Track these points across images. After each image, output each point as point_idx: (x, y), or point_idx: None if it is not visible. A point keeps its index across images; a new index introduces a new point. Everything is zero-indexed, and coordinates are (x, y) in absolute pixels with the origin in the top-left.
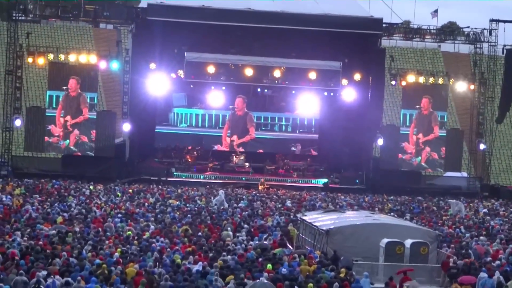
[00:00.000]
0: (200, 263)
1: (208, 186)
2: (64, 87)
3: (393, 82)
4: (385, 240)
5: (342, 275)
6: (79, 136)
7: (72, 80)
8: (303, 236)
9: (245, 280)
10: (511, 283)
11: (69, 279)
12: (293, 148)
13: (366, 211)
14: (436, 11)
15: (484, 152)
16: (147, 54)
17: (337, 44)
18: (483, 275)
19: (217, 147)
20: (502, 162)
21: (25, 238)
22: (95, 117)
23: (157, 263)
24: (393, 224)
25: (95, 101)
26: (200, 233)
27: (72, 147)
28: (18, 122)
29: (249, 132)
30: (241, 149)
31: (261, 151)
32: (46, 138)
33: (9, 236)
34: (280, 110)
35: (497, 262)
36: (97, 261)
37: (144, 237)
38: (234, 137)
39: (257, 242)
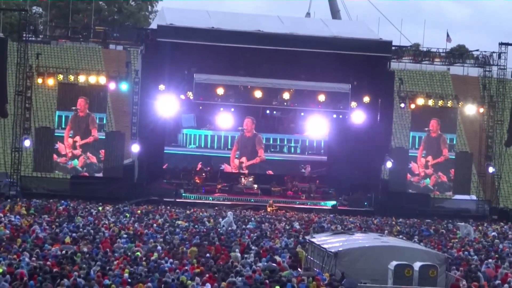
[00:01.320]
0: (209, 284)
1: (216, 208)
2: (73, 108)
3: (402, 105)
4: (394, 263)
5: None
6: (87, 157)
7: (80, 100)
8: (312, 258)
9: None
10: None
11: None
12: (302, 170)
13: (375, 234)
14: (448, 35)
15: (493, 175)
16: (156, 76)
17: (346, 67)
18: None
19: (224, 166)
20: (511, 185)
21: (33, 258)
22: (104, 137)
23: (164, 284)
24: (402, 246)
25: (104, 122)
26: (208, 255)
27: (79, 168)
28: (27, 143)
29: (258, 154)
30: (246, 171)
31: (270, 172)
32: (55, 157)
33: (17, 256)
34: (289, 132)
35: (506, 285)
36: (106, 281)
37: (152, 258)
38: (243, 159)
39: (265, 264)
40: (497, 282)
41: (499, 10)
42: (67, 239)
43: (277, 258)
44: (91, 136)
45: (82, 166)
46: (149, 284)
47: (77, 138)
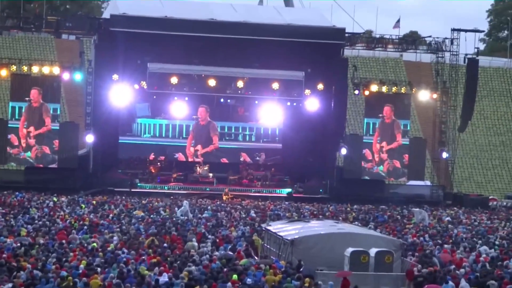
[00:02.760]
0: (165, 274)
1: (172, 197)
2: (27, 98)
3: (356, 92)
4: (350, 249)
5: (306, 284)
6: (41, 147)
7: (33, 90)
8: (268, 246)
9: None
10: None
11: None
12: (257, 158)
13: (331, 221)
14: (398, 21)
15: (447, 161)
16: (110, 65)
17: (300, 54)
18: (449, 284)
19: (179, 155)
20: (464, 171)
21: None
22: (58, 128)
23: (122, 274)
24: (358, 233)
25: (58, 112)
26: (165, 244)
27: (31, 159)
28: None
29: (212, 142)
30: (201, 159)
31: (225, 160)
32: (8, 148)
33: None
34: (243, 120)
35: (462, 270)
36: (63, 273)
37: (109, 248)
38: (198, 147)
39: (222, 252)
40: (452, 267)
41: None
42: (23, 232)
43: (236, 247)
44: (44, 127)
45: (35, 157)
46: (106, 275)
47: (31, 128)
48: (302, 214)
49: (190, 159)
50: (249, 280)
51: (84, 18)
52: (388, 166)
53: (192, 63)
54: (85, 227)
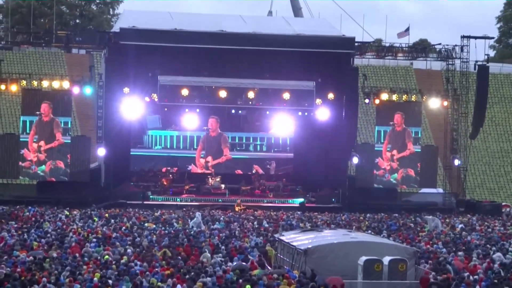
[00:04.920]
0: (179, 286)
1: (184, 209)
2: (37, 112)
3: (367, 101)
4: (363, 258)
5: None
6: (55, 162)
7: (44, 104)
8: (281, 256)
9: None
10: None
11: None
12: (268, 166)
13: (343, 230)
14: (407, 29)
15: (459, 168)
16: (120, 79)
17: (310, 64)
18: None
19: (191, 166)
20: (477, 177)
21: (2, 266)
22: (69, 141)
23: (136, 287)
24: (371, 241)
25: (69, 126)
26: (178, 256)
27: (43, 174)
28: None
29: (223, 153)
30: (212, 171)
31: (239, 172)
32: (20, 163)
33: None
34: (254, 130)
35: (475, 277)
36: (76, 286)
37: (122, 261)
38: (209, 158)
39: (235, 263)
40: (466, 274)
41: (452, 5)
42: (35, 245)
43: (249, 257)
44: (55, 141)
45: (48, 171)
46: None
47: (42, 143)
48: (315, 224)
49: (200, 170)
50: None
51: (93, 32)
52: (402, 174)
53: (202, 75)
54: (95, 239)
